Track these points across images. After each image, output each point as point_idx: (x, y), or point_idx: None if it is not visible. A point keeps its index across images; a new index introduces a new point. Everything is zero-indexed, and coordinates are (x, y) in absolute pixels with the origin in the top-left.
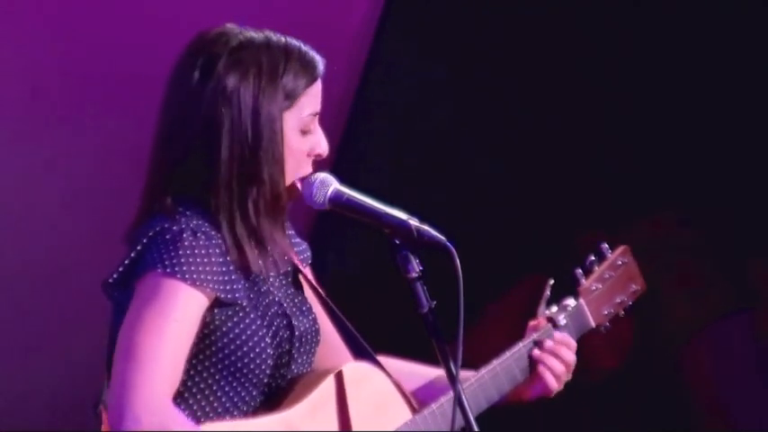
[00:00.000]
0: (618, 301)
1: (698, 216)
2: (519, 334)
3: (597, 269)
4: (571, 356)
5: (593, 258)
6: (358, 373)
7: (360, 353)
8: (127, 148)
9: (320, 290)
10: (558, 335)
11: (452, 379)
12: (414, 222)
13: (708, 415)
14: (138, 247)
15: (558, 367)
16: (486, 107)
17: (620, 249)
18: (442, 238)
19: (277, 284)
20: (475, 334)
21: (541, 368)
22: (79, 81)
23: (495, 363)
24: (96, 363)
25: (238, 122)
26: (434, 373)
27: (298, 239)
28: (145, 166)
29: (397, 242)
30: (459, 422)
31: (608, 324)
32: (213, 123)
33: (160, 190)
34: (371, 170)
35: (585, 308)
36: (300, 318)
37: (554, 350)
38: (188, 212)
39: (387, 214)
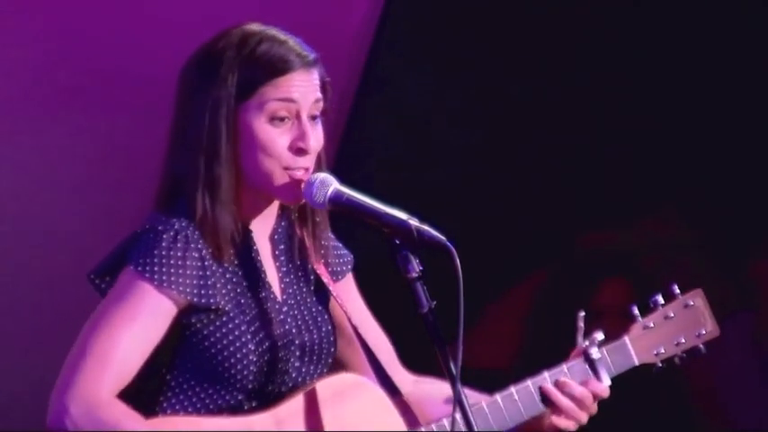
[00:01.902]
0: (676, 342)
1: (698, 216)
2: (518, 334)
3: (660, 308)
4: (583, 393)
5: (658, 296)
6: (336, 389)
7: (375, 373)
8: (128, 147)
9: (342, 306)
10: (592, 387)
11: (452, 379)
12: (414, 222)
13: (708, 415)
14: (125, 242)
15: (570, 406)
16: (487, 107)
17: (693, 291)
18: (442, 238)
19: (291, 292)
20: (475, 334)
21: (563, 411)
22: (80, 81)
23: (513, 389)
24: None
25: (189, 112)
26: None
27: (340, 249)
28: (145, 165)
29: (397, 242)
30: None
31: (661, 364)
32: (184, 117)
33: (169, 186)
34: (371, 170)
35: (629, 345)
36: (311, 328)
37: (581, 399)
38: (183, 212)
39: (387, 214)
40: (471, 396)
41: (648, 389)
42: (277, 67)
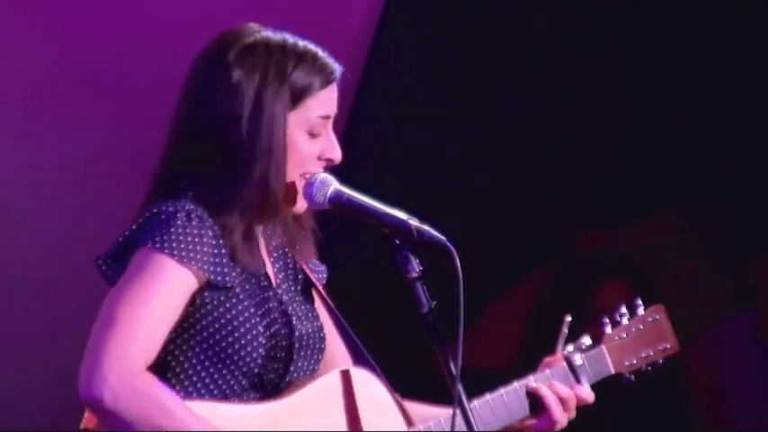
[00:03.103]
0: (643, 355)
1: (698, 216)
2: (518, 334)
3: (626, 321)
4: (568, 393)
5: (624, 311)
6: (359, 377)
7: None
8: (128, 146)
9: (332, 305)
10: (578, 392)
11: (452, 379)
12: (414, 222)
13: (708, 416)
14: (134, 227)
15: (563, 414)
16: (487, 107)
17: (654, 307)
18: (442, 237)
19: (285, 287)
20: (475, 334)
21: (548, 409)
22: (80, 80)
23: (503, 390)
24: None
25: (239, 116)
26: (442, 411)
27: (315, 261)
28: (146, 164)
29: (397, 242)
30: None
31: (631, 375)
32: (217, 115)
33: (168, 174)
34: (371, 170)
35: (606, 354)
36: (305, 322)
37: (566, 400)
38: (189, 197)
39: (387, 214)
40: (427, 410)
41: (648, 388)
42: (325, 80)
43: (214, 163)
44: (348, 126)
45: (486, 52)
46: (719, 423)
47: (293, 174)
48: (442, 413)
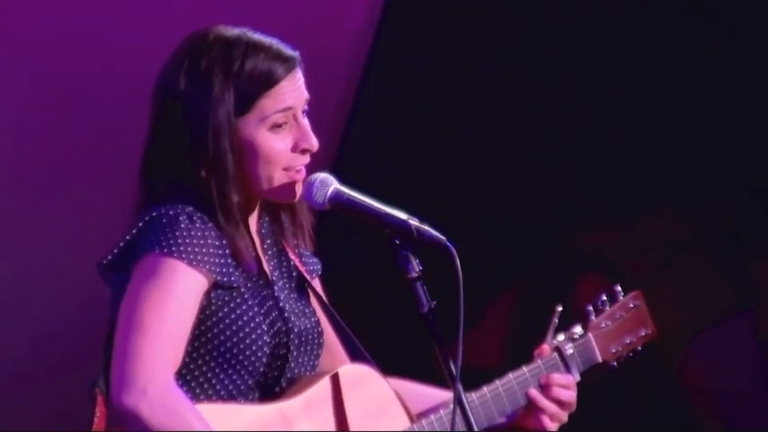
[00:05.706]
0: (627, 342)
1: (698, 216)
2: (517, 334)
3: (608, 309)
4: (570, 396)
5: (604, 298)
6: (355, 375)
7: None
8: (129, 146)
9: (325, 299)
10: (557, 378)
11: (452, 379)
12: (414, 222)
13: (708, 416)
14: (135, 230)
15: (554, 409)
16: (487, 106)
17: (633, 293)
18: (442, 238)
19: (280, 285)
20: (475, 334)
21: (539, 408)
22: (81, 81)
23: (498, 383)
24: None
25: (189, 128)
26: (442, 395)
27: (308, 253)
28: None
29: (398, 242)
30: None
31: (615, 363)
32: (173, 124)
33: (157, 180)
34: (371, 170)
35: (593, 342)
36: (302, 318)
37: (553, 395)
38: (183, 200)
39: (387, 214)
40: (427, 394)
41: (649, 389)
42: (271, 79)
43: (182, 170)
44: (348, 126)
45: (484, 53)
46: (719, 423)
47: (272, 172)
48: (441, 395)
